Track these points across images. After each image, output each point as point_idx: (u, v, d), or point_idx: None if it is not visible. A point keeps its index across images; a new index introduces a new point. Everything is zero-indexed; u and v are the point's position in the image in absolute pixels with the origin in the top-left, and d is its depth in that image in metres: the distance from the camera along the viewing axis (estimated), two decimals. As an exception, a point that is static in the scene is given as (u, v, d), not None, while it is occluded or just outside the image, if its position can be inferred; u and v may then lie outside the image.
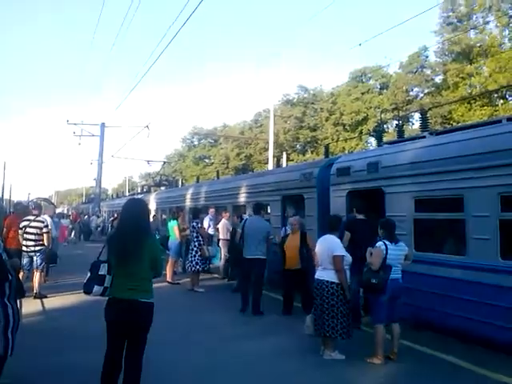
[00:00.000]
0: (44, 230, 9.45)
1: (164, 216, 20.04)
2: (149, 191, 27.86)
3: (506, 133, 6.11)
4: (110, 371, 3.86)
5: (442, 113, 33.28)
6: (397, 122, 31.37)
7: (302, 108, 47.03)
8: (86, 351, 5.53)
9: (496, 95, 32.30)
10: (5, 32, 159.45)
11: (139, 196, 24.53)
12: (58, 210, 31.22)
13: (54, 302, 9.08)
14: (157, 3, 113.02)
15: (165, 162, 31.10)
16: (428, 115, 9.24)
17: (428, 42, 47.64)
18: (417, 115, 34.69)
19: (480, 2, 31.70)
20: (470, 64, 33.01)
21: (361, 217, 7.77)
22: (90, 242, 26.01)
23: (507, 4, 29.76)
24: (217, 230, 12.60)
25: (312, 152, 46.27)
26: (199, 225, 11.23)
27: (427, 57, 38.31)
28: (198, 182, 22.11)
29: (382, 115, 36.61)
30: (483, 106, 31.93)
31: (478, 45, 32.98)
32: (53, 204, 20.17)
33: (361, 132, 40.48)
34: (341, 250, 5.87)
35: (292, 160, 43.24)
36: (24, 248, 9.33)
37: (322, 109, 46.02)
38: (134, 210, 4.16)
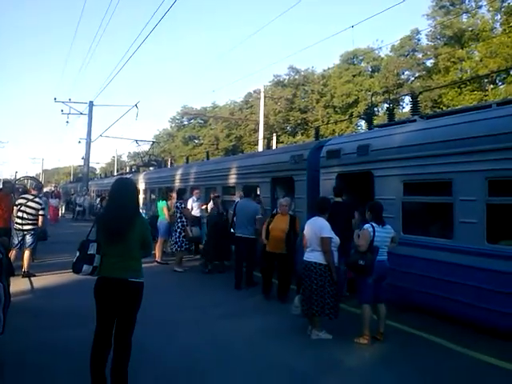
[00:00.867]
0: (40, 212, 9.58)
1: (153, 196, 19.97)
2: (137, 171, 27.63)
3: (496, 118, 6.13)
4: (100, 349, 3.88)
5: (432, 97, 33.34)
6: (387, 106, 31.40)
7: (292, 89, 46.68)
8: (76, 328, 5.62)
9: (486, 80, 32.38)
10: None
11: (128, 176, 24.34)
12: (46, 189, 30.95)
13: (42, 280, 9.06)
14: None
15: (154, 142, 30.64)
16: (418, 99, 9.23)
17: (420, 26, 47.50)
18: (407, 99, 34.83)
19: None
20: (462, 48, 32.98)
21: (338, 199, 7.98)
22: (76, 221, 25.96)
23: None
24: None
25: (302, 134, 46.05)
26: (183, 205, 11.25)
27: (419, 40, 38.27)
28: (187, 162, 21.98)
29: (373, 98, 36.55)
30: (473, 90, 32.06)
31: (470, 29, 32.93)
32: (40, 183, 20.00)
33: (351, 115, 40.36)
34: (329, 232, 5.91)
35: (282, 142, 43.06)
36: (17, 226, 9.32)
37: (312, 91, 45.81)
38: (123, 190, 4.14)
